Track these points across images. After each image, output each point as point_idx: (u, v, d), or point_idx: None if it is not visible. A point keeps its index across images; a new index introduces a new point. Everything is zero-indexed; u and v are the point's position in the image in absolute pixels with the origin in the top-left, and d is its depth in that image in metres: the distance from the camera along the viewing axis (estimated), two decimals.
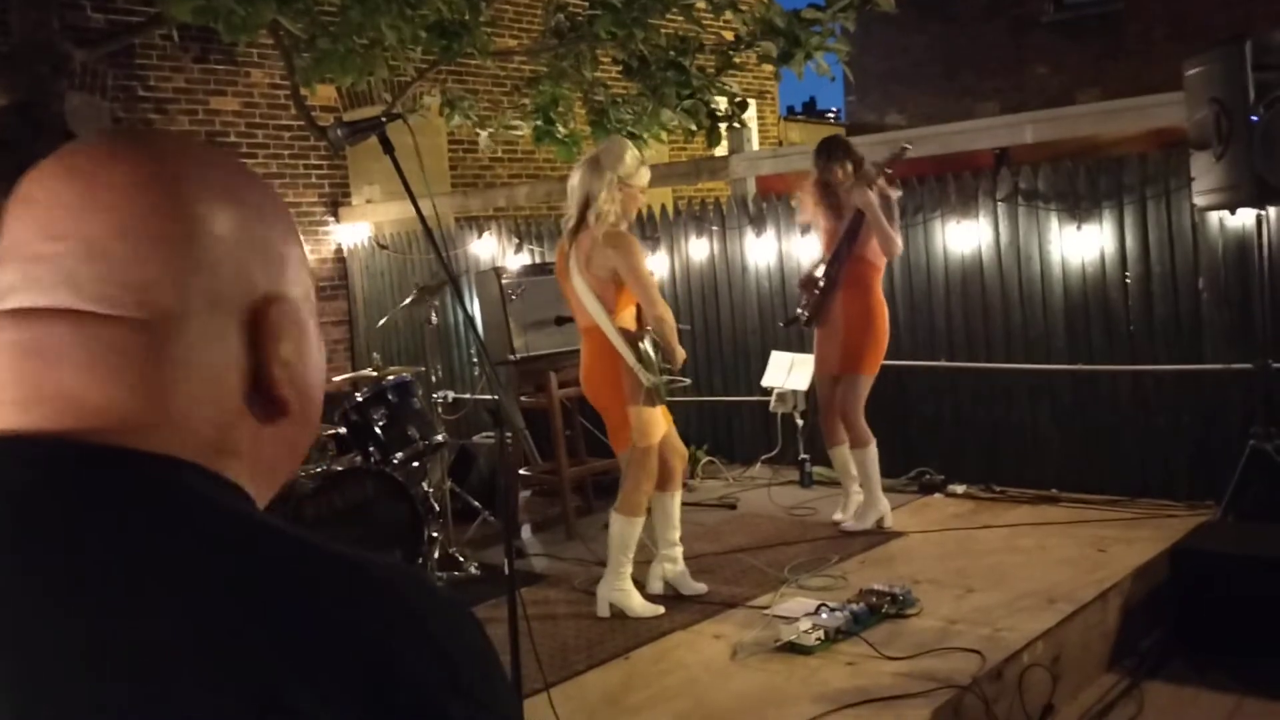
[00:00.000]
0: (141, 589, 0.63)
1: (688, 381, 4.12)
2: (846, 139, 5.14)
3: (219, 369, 0.72)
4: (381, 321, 6.25)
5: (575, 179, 4.08)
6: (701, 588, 4.34)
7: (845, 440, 5.03)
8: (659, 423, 4.14)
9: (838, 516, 5.11)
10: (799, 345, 5.85)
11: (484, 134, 7.69)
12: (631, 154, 4.08)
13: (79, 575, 0.63)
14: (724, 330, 6.59)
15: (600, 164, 4.03)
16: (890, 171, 4.91)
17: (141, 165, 0.72)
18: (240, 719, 0.60)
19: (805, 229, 5.65)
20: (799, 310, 5.13)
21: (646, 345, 4.06)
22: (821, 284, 4.96)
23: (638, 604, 4.14)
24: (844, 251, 4.88)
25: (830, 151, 4.94)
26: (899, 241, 4.88)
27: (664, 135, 7.20)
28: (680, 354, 4.14)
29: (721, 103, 6.89)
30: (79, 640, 0.61)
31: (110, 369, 0.69)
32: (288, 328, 0.75)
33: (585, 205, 4.03)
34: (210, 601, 0.63)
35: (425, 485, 4.99)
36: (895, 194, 4.95)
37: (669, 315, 4.07)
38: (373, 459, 4.65)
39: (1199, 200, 4.57)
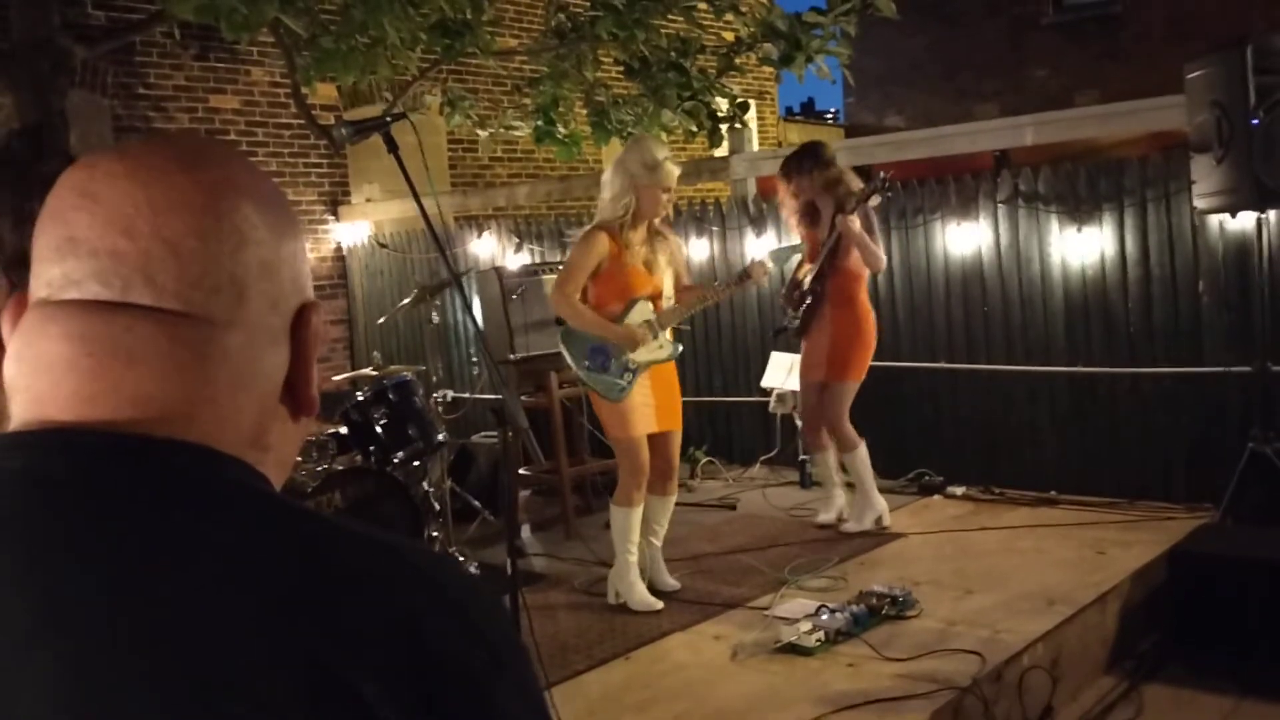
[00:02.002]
0: (192, 574, 0.65)
1: (618, 383, 4.15)
2: (813, 147, 5.06)
3: (269, 368, 0.76)
4: (381, 320, 6.25)
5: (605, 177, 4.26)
6: (675, 584, 4.37)
7: (828, 445, 5.05)
8: (633, 417, 4.15)
9: (822, 519, 5.13)
10: (798, 347, 5.84)
11: (484, 134, 7.69)
12: (646, 153, 4.15)
13: (131, 568, 0.65)
14: (723, 331, 6.59)
15: (617, 161, 4.19)
16: (876, 187, 4.92)
17: (211, 172, 0.75)
18: (299, 693, 0.62)
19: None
20: (787, 323, 5.14)
21: (570, 345, 4.18)
22: (809, 298, 4.96)
23: (636, 597, 4.18)
24: (827, 266, 4.89)
25: (795, 167, 4.96)
26: (883, 256, 4.93)
27: (664, 136, 7.20)
28: (598, 332, 4.15)
29: (722, 104, 6.89)
30: (130, 624, 0.63)
31: (178, 364, 0.72)
32: (320, 333, 0.80)
33: None
34: (261, 584, 0.65)
35: (425, 484, 5.00)
36: (873, 202, 4.95)
37: (567, 311, 4.17)
38: (373, 458, 4.65)
39: (1199, 203, 4.57)
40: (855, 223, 4.77)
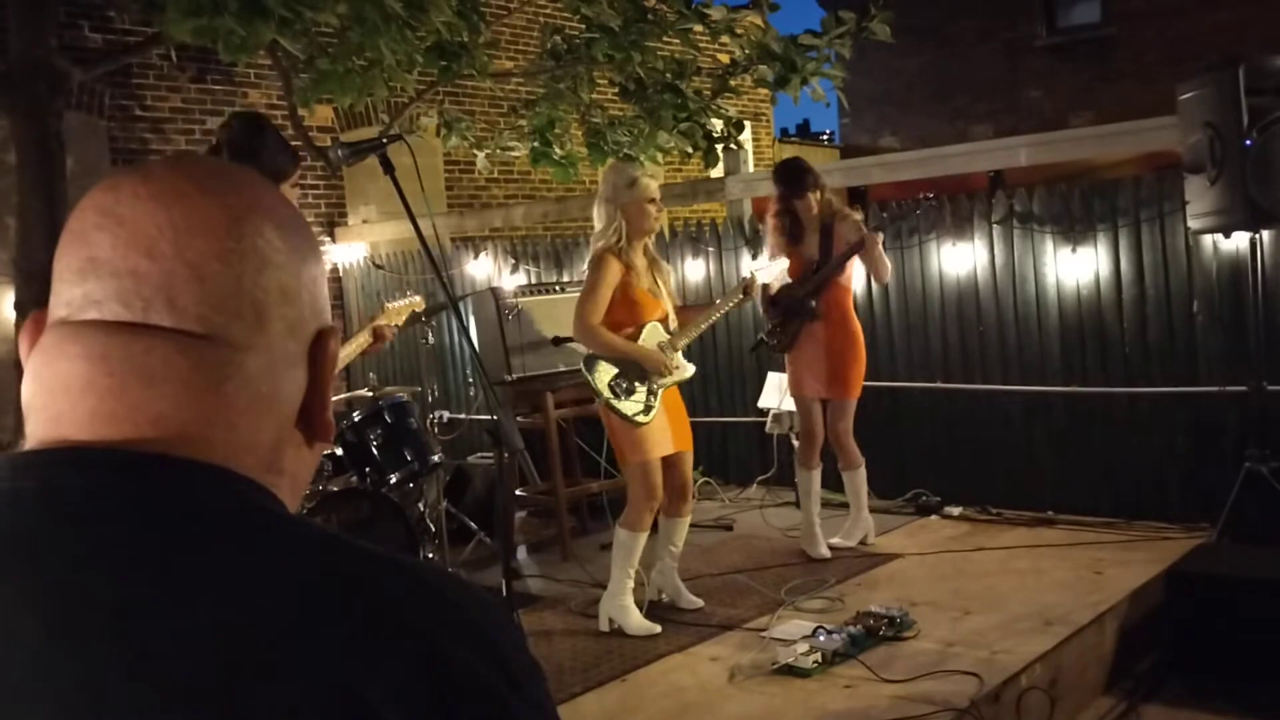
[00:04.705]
0: (208, 595, 0.65)
1: (643, 407, 4.15)
2: (805, 164, 5.08)
3: (286, 392, 0.76)
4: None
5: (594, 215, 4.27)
6: (698, 602, 4.36)
7: (819, 465, 5.05)
8: (651, 440, 4.15)
9: (822, 552, 4.97)
10: (779, 361, 5.84)
11: (481, 155, 7.71)
12: (620, 174, 4.22)
13: (147, 587, 0.65)
14: (720, 351, 6.59)
15: (597, 198, 4.22)
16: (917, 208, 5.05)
17: (235, 195, 0.76)
18: (318, 716, 0.62)
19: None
20: (767, 338, 5.08)
21: (594, 371, 4.12)
22: (804, 314, 4.93)
23: (635, 621, 4.16)
24: (825, 280, 4.88)
25: (796, 181, 4.94)
26: (889, 267, 5.01)
27: (660, 157, 7.22)
28: (630, 356, 4.15)
29: (718, 125, 6.92)
30: (144, 645, 0.63)
31: (197, 387, 0.72)
32: (336, 358, 0.80)
33: None
34: (278, 605, 0.65)
35: (421, 506, 4.98)
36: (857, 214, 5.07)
37: (597, 341, 4.12)
38: (368, 479, 4.64)
39: (1193, 223, 4.59)
40: (880, 238, 4.88)
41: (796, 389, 5.08)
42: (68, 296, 0.73)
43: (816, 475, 5.08)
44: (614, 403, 4.10)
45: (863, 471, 5.04)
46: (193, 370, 0.71)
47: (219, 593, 0.65)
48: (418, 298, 4.26)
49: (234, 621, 0.64)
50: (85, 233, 0.73)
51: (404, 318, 4.09)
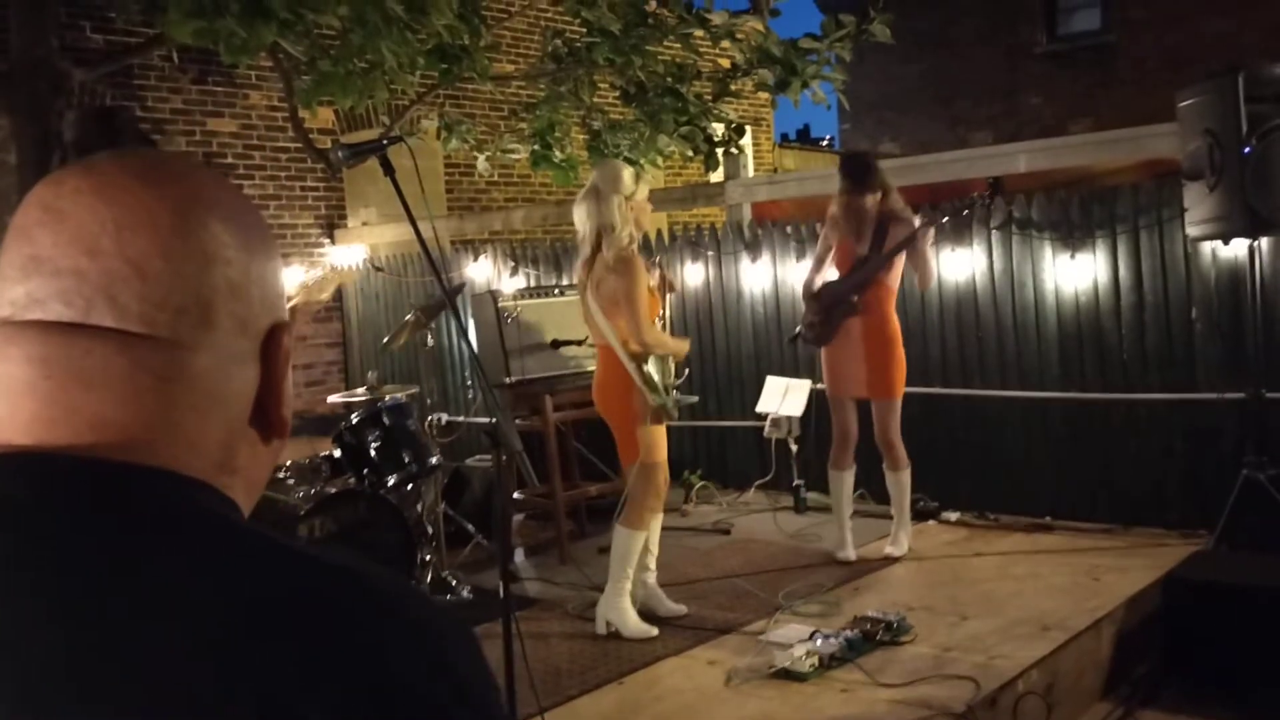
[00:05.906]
0: (143, 601, 0.63)
1: (694, 399, 4.20)
2: (873, 160, 5.05)
3: (236, 390, 0.75)
4: (387, 339, 5.95)
5: (582, 212, 4.16)
6: (681, 609, 4.35)
7: (852, 467, 5.03)
8: (663, 439, 4.21)
9: (843, 555, 4.94)
10: (794, 370, 5.84)
11: (481, 158, 7.72)
12: (628, 172, 4.20)
13: (86, 594, 0.64)
14: (719, 355, 6.60)
15: (602, 191, 4.11)
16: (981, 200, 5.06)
17: (180, 190, 0.74)
18: None
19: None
20: (806, 331, 5.02)
21: (650, 367, 4.13)
22: (848, 308, 4.87)
23: (632, 623, 4.16)
24: (871, 276, 4.85)
25: (862, 177, 4.86)
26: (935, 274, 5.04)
27: (660, 160, 7.24)
28: (677, 352, 4.26)
29: (718, 129, 6.94)
30: (79, 650, 0.62)
31: (138, 388, 0.70)
32: (290, 353, 0.78)
33: (599, 233, 4.11)
34: (220, 618, 0.63)
35: (419, 508, 4.98)
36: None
37: (658, 341, 4.13)
38: (366, 481, 4.64)
39: (1192, 231, 4.60)
40: (930, 234, 4.86)
41: (832, 388, 5.02)
42: (11, 295, 0.71)
43: (848, 477, 5.04)
44: (666, 402, 4.15)
45: (909, 474, 4.98)
46: (134, 372, 0.70)
47: (152, 599, 0.63)
48: (344, 269, 4.27)
49: (165, 629, 0.62)
50: (28, 229, 0.72)
51: (327, 292, 4.07)
